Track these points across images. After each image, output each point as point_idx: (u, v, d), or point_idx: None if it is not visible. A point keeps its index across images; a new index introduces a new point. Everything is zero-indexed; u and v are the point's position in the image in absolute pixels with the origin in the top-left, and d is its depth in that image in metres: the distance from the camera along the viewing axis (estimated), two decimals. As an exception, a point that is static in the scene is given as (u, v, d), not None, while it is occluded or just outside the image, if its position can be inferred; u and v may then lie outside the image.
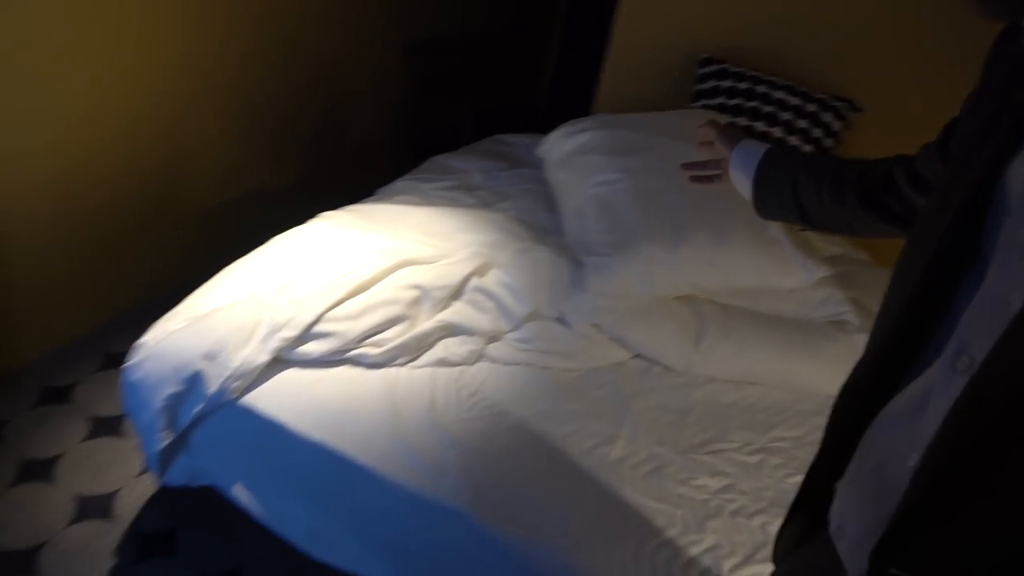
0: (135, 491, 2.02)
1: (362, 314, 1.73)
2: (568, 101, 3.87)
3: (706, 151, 1.27)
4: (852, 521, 0.80)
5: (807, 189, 1.09)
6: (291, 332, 1.64)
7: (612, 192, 2.04)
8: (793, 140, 2.38)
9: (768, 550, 1.48)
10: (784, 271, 1.94)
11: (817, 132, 2.41)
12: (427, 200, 2.32)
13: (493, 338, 1.85)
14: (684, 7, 2.72)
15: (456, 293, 1.88)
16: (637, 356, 1.94)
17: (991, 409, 0.59)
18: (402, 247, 1.98)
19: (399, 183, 2.48)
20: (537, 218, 2.29)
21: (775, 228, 1.98)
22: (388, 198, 2.35)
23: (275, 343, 1.63)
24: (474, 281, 1.91)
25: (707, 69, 2.65)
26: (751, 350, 1.93)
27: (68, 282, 2.37)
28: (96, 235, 2.39)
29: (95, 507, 1.96)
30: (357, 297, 1.76)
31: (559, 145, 2.38)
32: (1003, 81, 0.73)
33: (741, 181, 1.19)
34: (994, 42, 0.79)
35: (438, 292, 1.83)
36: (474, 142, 2.86)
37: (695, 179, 1.31)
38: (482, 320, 1.84)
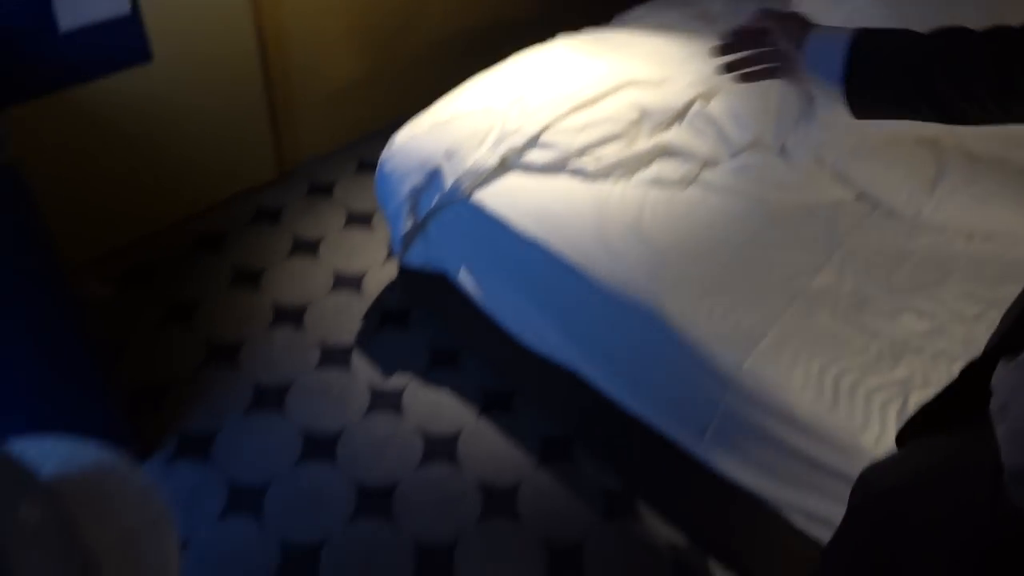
0: (380, 273, 2.37)
1: (583, 129, 1.82)
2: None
3: (751, 42, 1.01)
4: (1016, 403, 0.74)
5: (947, 71, 0.82)
6: (518, 140, 1.79)
7: (862, 15, 1.90)
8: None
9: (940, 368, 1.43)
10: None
11: None
12: (663, 28, 2.31)
13: (709, 163, 1.88)
14: None
15: (678, 116, 1.91)
16: (860, 197, 1.87)
17: None
18: (630, 70, 2.02)
19: (637, 10, 2.48)
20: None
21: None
22: (624, 25, 2.37)
23: (503, 149, 1.79)
24: (697, 106, 1.92)
25: None
26: (996, 201, 1.79)
27: (335, 98, 2.70)
28: (357, 58, 2.68)
29: (348, 282, 2.35)
30: (580, 112, 1.86)
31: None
32: None
33: (822, 78, 0.93)
34: None
35: (659, 114, 1.87)
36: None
37: (744, 77, 1.04)
38: (700, 145, 1.87)
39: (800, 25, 0.96)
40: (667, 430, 1.65)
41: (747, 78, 1.04)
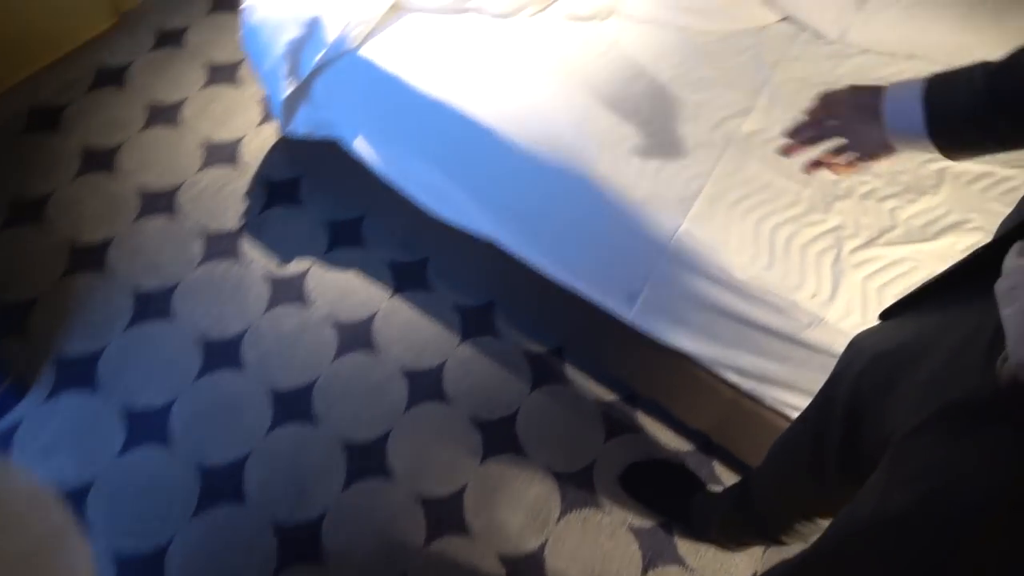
0: (258, 139, 2.08)
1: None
2: None
3: (813, 130, 0.98)
4: None
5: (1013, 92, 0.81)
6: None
7: None
8: None
9: (898, 233, 1.43)
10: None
11: None
12: None
13: (627, -7, 1.66)
14: None
15: (585, -64, 1.65)
16: (784, 19, 1.72)
17: None
18: None
19: None
20: None
21: None
22: None
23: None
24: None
25: None
26: (924, 17, 1.67)
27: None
28: None
29: (222, 153, 2.05)
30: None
31: None
32: None
33: (909, 136, 0.89)
34: None
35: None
36: None
37: (815, 166, 1.01)
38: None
39: (871, 93, 0.92)
40: (595, 297, 1.57)
41: (816, 168, 1.01)
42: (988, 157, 0.89)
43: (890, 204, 1.50)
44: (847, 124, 0.95)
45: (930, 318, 0.90)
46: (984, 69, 0.84)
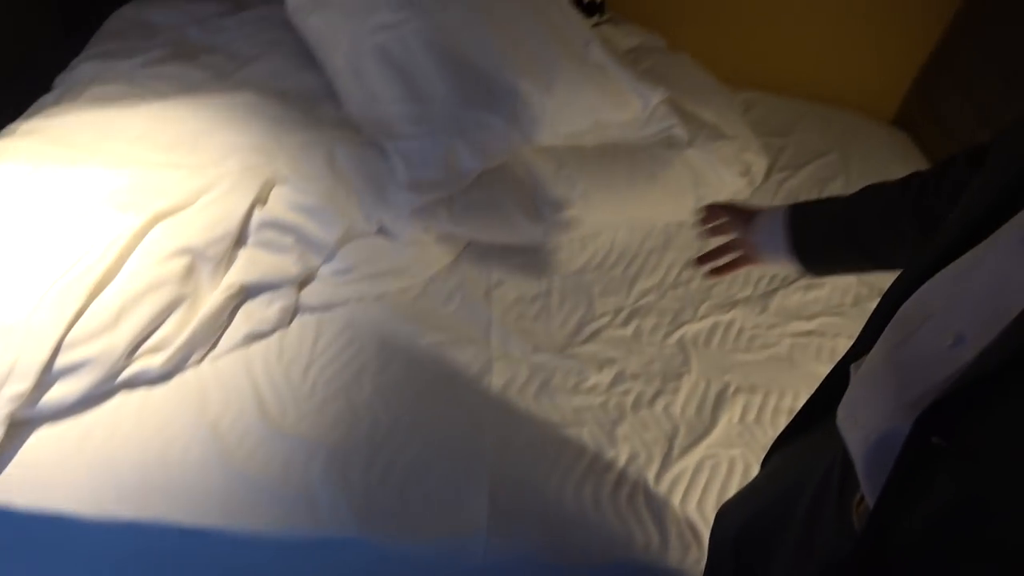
0: None
1: (120, 316, 1.22)
2: None
3: (719, 236, 1.14)
4: (866, 410, 0.69)
5: (864, 222, 0.96)
6: (21, 384, 1.12)
7: (399, 41, 1.56)
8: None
9: (683, 434, 1.39)
10: (618, 102, 1.66)
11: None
12: (137, 87, 1.68)
13: (305, 281, 1.44)
14: None
15: (239, 239, 1.39)
16: (468, 245, 1.62)
17: None
18: (137, 183, 1.41)
19: (84, 66, 1.78)
20: (299, 82, 1.75)
21: (597, 50, 1.65)
22: (77, 95, 1.66)
23: (3, 407, 1.11)
24: (257, 215, 1.42)
25: None
26: (598, 195, 1.71)
27: None
28: None
29: None
30: (104, 294, 1.24)
31: (302, -24, 1.76)
32: None
33: (774, 252, 1.05)
34: None
35: (215, 248, 1.34)
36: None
37: (715, 272, 1.14)
38: (284, 263, 1.41)
39: (747, 215, 1.09)
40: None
41: (716, 273, 1.14)
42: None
43: (660, 404, 1.45)
44: (736, 231, 1.10)
45: (798, 460, 0.87)
46: (841, 202, 0.99)
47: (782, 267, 1.07)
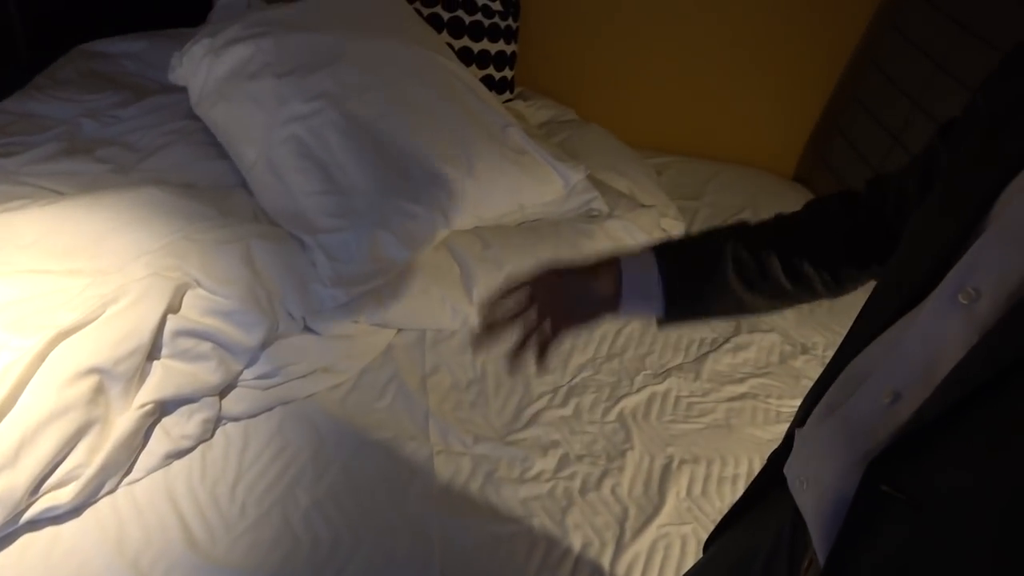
0: None
1: (20, 452, 1.10)
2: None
3: (507, 322, 0.87)
4: (817, 470, 0.70)
5: (741, 265, 0.86)
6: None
7: (313, 132, 1.52)
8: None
9: (633, 515, 1.36)
10: (540, 183, 1.66)
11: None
12: (26, 187, 1.57)
13: (227, 389, 1.35)
14: None
15: (151, 352, 1.29)
16: (400, 331, 1.57)
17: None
18: (32, 297, 1.30)
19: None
20: (208, 171, 1.68)
21: (515, 133, 1.65)
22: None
23: None
24: (171, 323, 1.32)
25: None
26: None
27: None
28: None
29: None
30: (2, 426, 1.11)
31: (205, 67, 1.69)
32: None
33: (646, 307, 0.88)
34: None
35: (125, 364, 1.23)
36: (47, 64, 1.99)
37: (515, 361, 0.88)
38: (203, 372, 1.31)
39: (559, 273, 0.88)
40: None
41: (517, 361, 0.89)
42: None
43: (607, 485, 1.43)
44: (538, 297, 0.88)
45: (742, 537, 0.85)
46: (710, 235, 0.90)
47: (629, 318, 0.93)
